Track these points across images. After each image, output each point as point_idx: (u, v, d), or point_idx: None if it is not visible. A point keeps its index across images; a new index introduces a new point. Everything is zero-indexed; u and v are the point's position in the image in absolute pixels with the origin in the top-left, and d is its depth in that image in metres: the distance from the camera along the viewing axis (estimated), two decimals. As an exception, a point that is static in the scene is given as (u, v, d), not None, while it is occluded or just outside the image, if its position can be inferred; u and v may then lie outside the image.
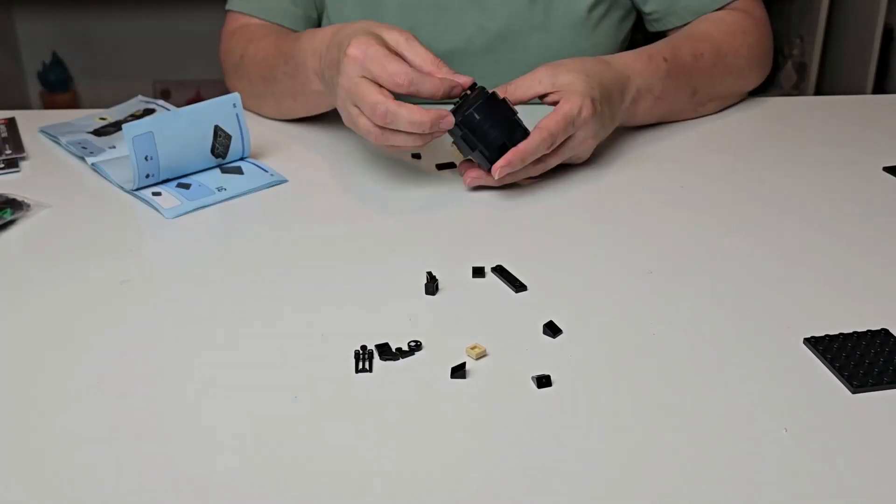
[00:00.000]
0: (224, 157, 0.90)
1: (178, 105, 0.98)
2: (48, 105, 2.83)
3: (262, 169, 0.91)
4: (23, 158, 0.98)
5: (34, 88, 2.89)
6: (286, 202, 0.88)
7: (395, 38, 0.84)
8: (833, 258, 0.77)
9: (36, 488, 0.54)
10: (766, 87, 1.13)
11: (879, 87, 2.56)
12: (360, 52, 0.81)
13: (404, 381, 0.63)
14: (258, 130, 0.97)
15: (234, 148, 0.90)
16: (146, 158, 0.85)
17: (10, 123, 1.04)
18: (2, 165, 0.96)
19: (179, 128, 0.86)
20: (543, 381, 0.62)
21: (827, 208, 0.86)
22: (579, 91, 0.87)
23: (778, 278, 0.74)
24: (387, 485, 0.54)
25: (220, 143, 0.89)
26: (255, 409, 0.60)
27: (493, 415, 0.60)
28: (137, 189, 0.87)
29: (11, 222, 0.84)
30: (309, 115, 1.01)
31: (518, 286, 0.72)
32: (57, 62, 2.82)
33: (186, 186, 0.87)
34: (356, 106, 0.82)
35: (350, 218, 0.84)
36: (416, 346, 0.65)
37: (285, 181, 0.90)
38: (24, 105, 2.76)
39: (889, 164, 0.94)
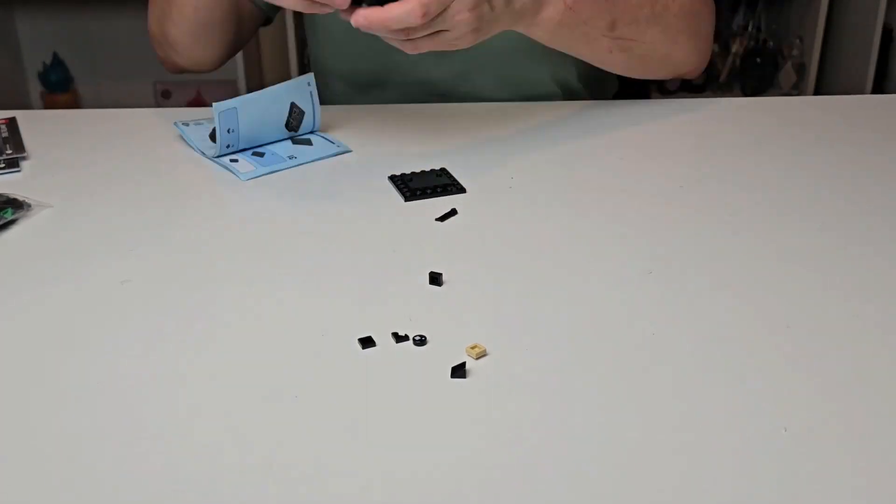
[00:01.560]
0: (297, 131, 0.99)
1: (179, 104, 0.99)
2: (49, 105, 2.83)
3: (329, 140, 1.00)
4: (23, 158, 0.98)
5: (35, 89, 2.89)
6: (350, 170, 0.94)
7: None
8: (833, 258, 0.77)
9: (36, 488, 0.54)
10: (766, 88, 1.12)
11: (879, 88, 2.57)
12: None
13: (403, 381, 0.63)
14: (328, 109, 1.03)
15: (306, 122, 1.00)
16: (228, 131, 0.94)
17: (11, 123, 1.04)
18: (2, 165, 0.96)
19: (261, 105, 0.96)
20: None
21: (826, 208, 0.86)
22: None
23: (778, 278, 0.74)
24: (388, 485, 0.54)
25: (294, 118, 0.98)
26: (255, 408, 0.60)
27: (493, 414, 0.60)
28: (218, 156, 0.95)
29: (12, 222, 0.84)
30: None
31: None
32: (58, 62, 2.82)
33: (261, 154, 0.96)
34: None
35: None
36: (420, 340, 0.65)
37: (350, 151, 0.97)
38: (25, 105, 2.76)
39: (890, 163, 0.94)
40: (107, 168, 0.96)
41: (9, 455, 0.57)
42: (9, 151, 0.98)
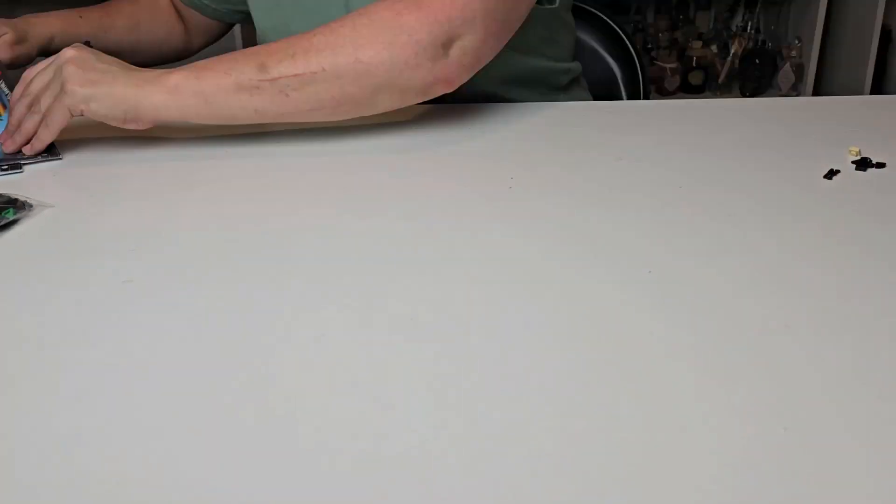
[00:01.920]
0: None
1: None
2: (47, 106, 2.83)
3: None
4: (25, 159, 0.98)
5: (33, 89, 2.89)
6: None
7: None
8: (833, 257, 0.78)
9: (35, 488, 0.54)
10: (765, 89, 1.12)
11: (877, 88, 2.57)
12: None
13: (402, 381, 0.63)
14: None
15: None
16: None
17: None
18: (4, 167, 0.97)
19: None
20: None
21: (826, 208, 0.86)
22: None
23: (777, 278, 0.75)
24: (388, 485, 0.54)
25: None
26: (254, 408, 0.61)
27: (491, 414, 0.60)
28: None
29: (14, 222, 0.84)
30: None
31: None
32: (56, 63, 2.82)
33: None
34: None
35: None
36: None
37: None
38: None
39: (890, 163, 0.94)
40: (107, 168, 0.96)
41: (7, 454, 0.57)
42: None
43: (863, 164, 0.94)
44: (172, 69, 0.97)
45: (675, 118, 1.07)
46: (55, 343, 0.68)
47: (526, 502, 0.53)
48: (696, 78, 2.91)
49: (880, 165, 0.94)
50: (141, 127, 0.96)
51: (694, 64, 2.92)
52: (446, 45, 0.96)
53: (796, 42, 2.74)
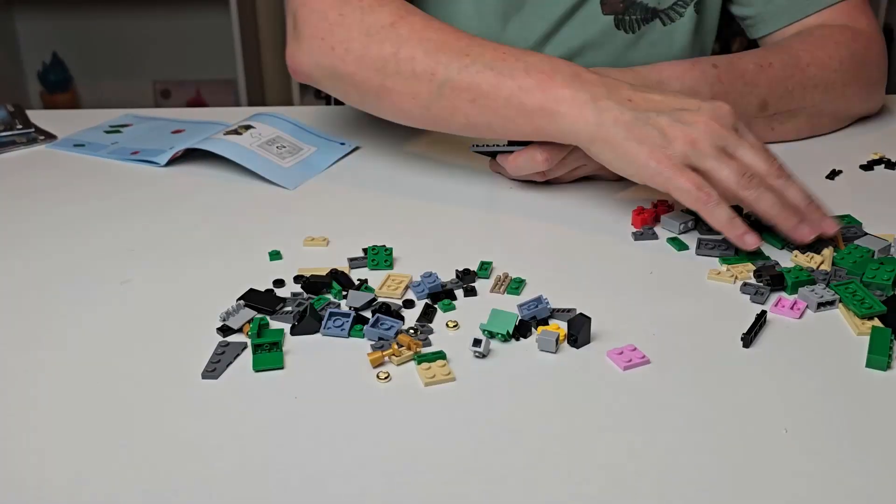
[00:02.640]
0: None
1: (179, 104, 1.01)
2: (48, 105, 2.84)
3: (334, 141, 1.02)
4: (38, 132, 1.03)
5: (34, 88, 2.89)
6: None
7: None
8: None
9: (33, 487, 0.54)
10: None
11: (879, 88, 2.57)
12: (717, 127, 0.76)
13: (400, 381, 0.63)
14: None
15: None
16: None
17: (17, 108, 1.08)
18: (24, 140, 1.03)
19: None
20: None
21: (826, 208, 0.85)
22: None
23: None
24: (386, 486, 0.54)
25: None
26: (255, 408, 0.60)
27: (487, 416, 0.60)
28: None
29: (13, 142, 0.90)
30: (452, 131, 0.88)
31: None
32: (57, 62, 2.83)
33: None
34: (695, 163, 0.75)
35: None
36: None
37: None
38: (24, 105, 2.76)
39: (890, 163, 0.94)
40: (106, 167, 0.97)
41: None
42: (20, 127, 1.03)
43: (876, 164, 0.94)
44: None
45: (676, 117, 1.07)
46: (54, 342, 0.68)
47: (519, 499, 0.53)
48: (697, 77, 2.91)
49: (890, 165, 0.94)
50: None
51: (695, 63, 2.92)
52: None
53: (798, 41, 2.74)
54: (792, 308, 0.69)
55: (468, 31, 0.87)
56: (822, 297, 0.70)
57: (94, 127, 1.08)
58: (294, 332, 0.67)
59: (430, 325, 0.68)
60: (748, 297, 0.72)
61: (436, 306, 0.70)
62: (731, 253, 0.77)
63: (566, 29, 1.04)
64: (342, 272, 0.74)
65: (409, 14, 0.87)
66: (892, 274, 0.71)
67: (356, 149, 1.00)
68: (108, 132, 1.07)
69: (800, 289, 0.71)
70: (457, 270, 0.75)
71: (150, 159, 0.97)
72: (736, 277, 0.74)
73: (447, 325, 0.68)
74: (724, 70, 0.91)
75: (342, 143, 1.01)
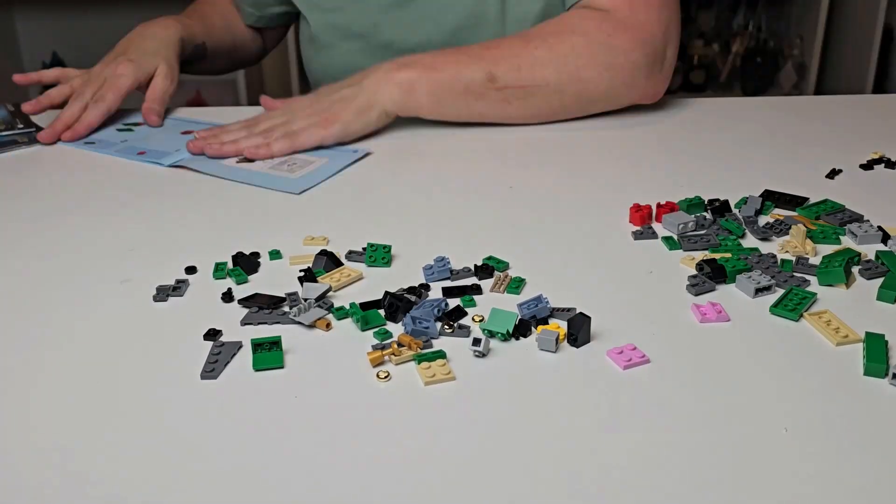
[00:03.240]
0: None
1: (178, 104, 1.02)
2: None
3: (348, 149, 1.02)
4: (38, 130, 1.03)
5: (34, 88, 2.89)
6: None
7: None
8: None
9: (33, 486, 0.54)
10: (767, 87, 1.12)
11: (879, 87, 2.57)
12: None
13: (400, 380, 0.63)
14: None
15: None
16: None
17: (17, 107, 1.08)
18: (25, 139, 1.03)
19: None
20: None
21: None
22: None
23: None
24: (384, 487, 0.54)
25: None
26: (255, 408, 0.60)
27: (487, 415, 0.60)
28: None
29: (14, 142, 0.91)
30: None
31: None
32: (57, 62, 2.82)
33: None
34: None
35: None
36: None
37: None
38: (25, 105, 2.76)
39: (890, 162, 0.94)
40: (107, 167, 0.97)
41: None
42: (20, 126, 1.03)
43: (876, 164, 0.94)
44: (394, 67, 1.01)
45: (677, 117, 1.07)
46: (54, 341, 0.68)
47: (518, 499, 0.53)
48: (697, 77, 2.91)
49: (890, 165, 0.94)
50: (389, 121, 1.03)
51: (695, 63, 2.91)
52: (657, 62, 1.04)
53: (798, 41, 2.74)
54: (718, 313, 0.69)
55: None
56: (758, 283, 0.71)
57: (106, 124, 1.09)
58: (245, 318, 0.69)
59: (465, 324, 0.68)
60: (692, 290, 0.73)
61: (460, 303, 0.71)
62: (716, 245, 0.79)
63: None
64: (331, 253, 0.76)
65: None
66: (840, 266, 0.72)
67: (367, 155, 1.00)
68: (120, 130, 1.07)
69: (737, 276, 0.73)
70: (475, 265, 0.75)
71: (155, 161, 0.97)
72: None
73: (473, 319, 0.69)
74: (451, 51, 1.02)
75: (354, 151, 1.00)
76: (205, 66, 1.30)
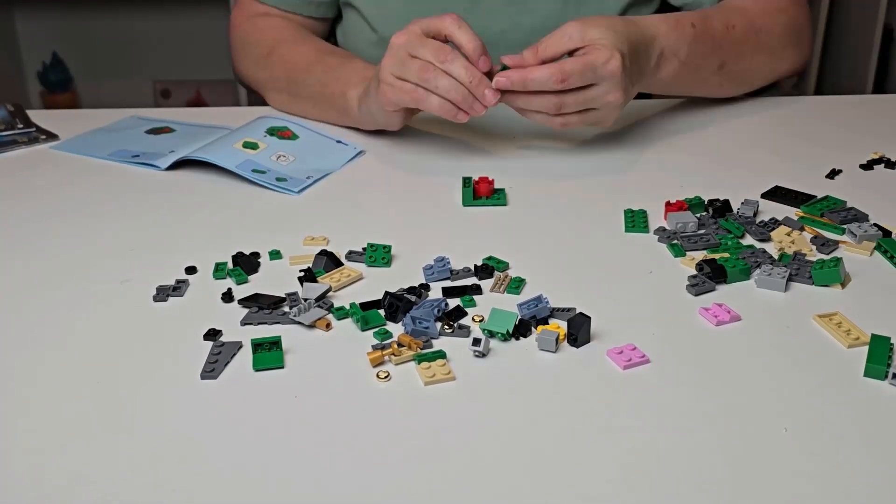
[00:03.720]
0: None
1: (179, 104, 1.00)
2: (48, 105, 2.83)
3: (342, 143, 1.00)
4: (39, 131, 1.03)
5: (34, 88, 2.89)
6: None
7: (442, 23, 0.87)
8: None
9: (33, 486, 0.54)
10: (766, 87, 1.12)
11: (879, 87, 2.56)
12: (403, 37, 0.87)
13: (400, 380, 0.63)
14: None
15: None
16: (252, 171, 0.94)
17: (17, 107, 1.08)
18: (25, 139, 1.03)
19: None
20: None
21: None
22: (608, 45, 0.87)
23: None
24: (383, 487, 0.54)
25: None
26: (255, 408, 0.60)
27: (487, 415, 0.60)
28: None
29: (14, 142, 0.91)
30: (320, 119, 1.05)
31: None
32: (57, 62, 2.82)
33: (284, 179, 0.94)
34: (398, 77, 0.87)
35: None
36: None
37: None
38: (25, 105, 2.75)
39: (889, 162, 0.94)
40: (107, 168, 0.96)
41: None
42: (20, 126, 1.03)
43: (876, 164, 0.94)
44: (663, 54, 0.95)
45: (677, 117, 1.07)
46: (53, 341, 0.68)
47: (517, 499, 0.53)
48: (697, 77, 2.91)
49: (890, 165, 0.94)
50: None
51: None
52: (810, 25, 1.10)
53: (798, 41, 2.74)
54: (729, 313, 0.69)
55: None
56: (782, 274, 0.72)
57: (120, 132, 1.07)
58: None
59: (465, 325, 0.68)
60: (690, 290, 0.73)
61: (460, 303, 0.71)
62: (716, 245, 0.79)
63: None
64: (331, 253, 0.76)
65: None
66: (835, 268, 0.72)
67: (361, 153, 1.00)
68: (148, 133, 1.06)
69: (752, 274, 0.74)
70: (475, 265, 0.75)
71: (149, 163, 0.97)
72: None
73: (473, 319, 0.69)
74: (700, 31, 0.98)
75: (346, 145, 1.00)
76: None
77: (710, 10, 1.02)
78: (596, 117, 0.90)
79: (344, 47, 1.18)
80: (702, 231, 0.81)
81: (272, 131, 1.01)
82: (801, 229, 0.81)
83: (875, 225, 0.80)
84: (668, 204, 0.84)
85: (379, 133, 1.02)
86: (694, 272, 0.74)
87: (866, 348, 0.65)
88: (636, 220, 0.83)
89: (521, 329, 0.67)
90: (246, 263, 0.75)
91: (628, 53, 0.88)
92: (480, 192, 0.87)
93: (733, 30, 1.01)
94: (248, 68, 1.13)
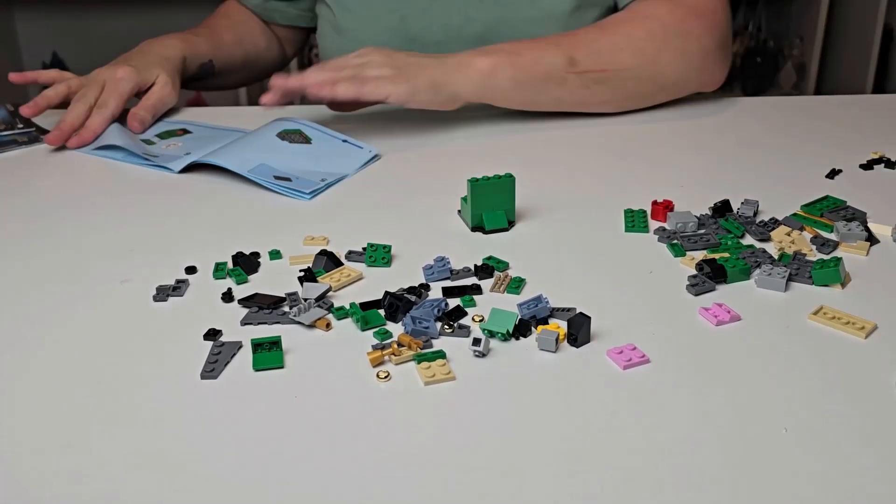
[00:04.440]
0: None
1: (179, 104, 1.02)
2: (48, 105, 2.83)
3: (356, 145, 1.00)
4: (39, 131, 1.02)
5: (34, 88, 2.89)
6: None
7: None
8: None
9: (35, 484, 0.54)
10: (767, 87, 1.12)
11: (879, 87, 2.57)
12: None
13: (400, 380, 0.63)
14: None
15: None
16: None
17: (17, 107, 1.09)
18: (25, 139, 1.03)
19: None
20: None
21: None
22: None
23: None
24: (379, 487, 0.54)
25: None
26: (255, 408, 0.60)
27: (487, 415, 0.60)
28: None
29: (14, 142, 0.92)
30: None
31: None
32: (57, 62, 2.82)
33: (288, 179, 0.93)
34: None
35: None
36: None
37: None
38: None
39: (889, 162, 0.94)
40: (107, 168, 0.96)
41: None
42: (20, 126, 1.03)
43: (876, 164, 0.94)
44: (475, 53, 1.00)
45: (677, 117, 1.07)
46: (53, 342, 0.68)
47: (517, 500, 0.53)
48: (697, 77, 2.91)
49: (890, 165, 0.94)
50: (454, 107, 1.01)
51: (696, 63, 2.91)
52: (725, 47, 1.06)
53: (798, 41, 2.74)
54: (729, 313, 0.69)
55: None
56: (781, 274, 0.72)
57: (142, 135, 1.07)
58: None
59: (465, 325, 0.68)
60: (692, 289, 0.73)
61: (460, 303, 0.71)
62: (716, 245, 0.79)
63: None
64: (331, 253, 0.76)
65: None
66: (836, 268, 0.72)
67: (376, 157, 0.99)
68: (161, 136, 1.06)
69: (752, 274, 0.74)
70: (475, 265, 0.75)
71: (163, 165, 0.96)
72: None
73: (473, 319, 0.69)
74: (525, 39, 1.02)
75: (360, 147, 0.99)
76: (216, 83, 1.28)
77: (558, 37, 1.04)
78: (367, 77, 0.96)
79: (320, 48, 1.26)
80: (702, 231, 0.81)
81: (284, 134, 1.00)
82: (801, 229, 0.81)
83: (862, 225, 0.79)
84: (654, 203, 0.84)
85: (382, 133, 1.02)
86: (694, 272, 0.74)
87: (870, 347, 0.65)
88: (636, 220, 0.83)
89: (521, 329, 0.67)
90: (246, 263, 0.75)
91: (395, 51, 0.99)
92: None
93: (574, 35, 1.02)
94: None
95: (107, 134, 1.02)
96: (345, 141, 1.00)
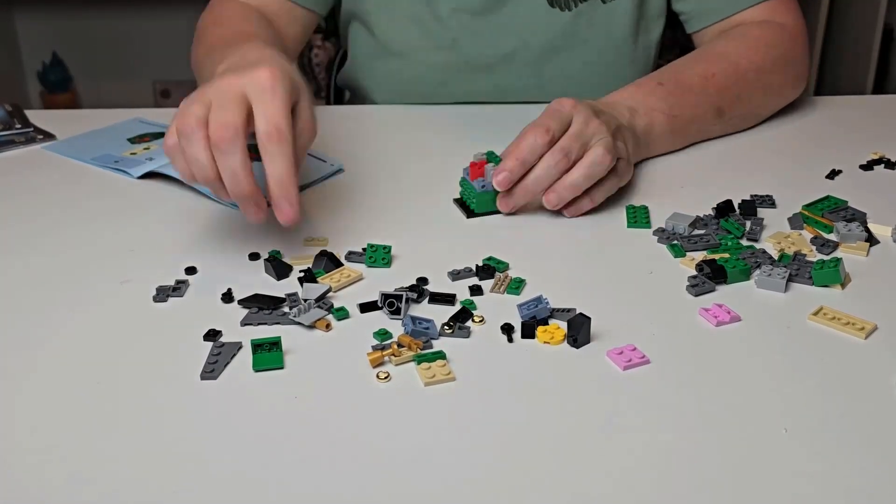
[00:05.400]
0: None
1: (178, 104, 0.99)
2: (48, 105, 2.83)
3: (318, 158, 0.96)
4: (37, 131, 1.03)
5: (34, 88, 2.89)
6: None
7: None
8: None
9: (36, 484, 0.54)
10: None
11: (879, 87, 2.56)
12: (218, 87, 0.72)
13: (400, 381, 0.63)
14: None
15: None
16: None
17: (15, 107, 1.08)
18: (22, 139, 1.02)
19: None
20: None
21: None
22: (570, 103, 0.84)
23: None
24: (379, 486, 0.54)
25: None
26: (255, 409, 0.60)
27: (487, 415, 0.60)
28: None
29: (12, 142, 0.92)
30: None
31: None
32: (57, 62, 2.82)
33: None
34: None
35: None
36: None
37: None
38: (25, 105, 2.75)
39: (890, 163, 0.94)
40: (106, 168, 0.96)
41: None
42: (18, 126, 1.03)
43: (876, 164, 0.94)
44: (641, 118, 0.92)
45: (676, 117, 1.07)
46: (53, 341, 0.68)
47: (517, 499, 0.53)
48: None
49: (890, 165, 0.94)
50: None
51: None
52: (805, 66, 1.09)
53: (798, 41, 2.74)
54: (729, 314, 0.69)
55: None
56: (781, 274, 0.72)
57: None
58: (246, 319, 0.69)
59: (466, 325, 0.68)
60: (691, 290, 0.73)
61: (462, 303, 0.71)
62: (716, 245, 0.79)
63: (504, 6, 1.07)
64: (331, 253, 0.76)
65: None
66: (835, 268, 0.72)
67: (339, 171, 0.95)
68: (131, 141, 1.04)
69: (753, 275, 0.74)
70: (476, 265, 0.75)
71: (124, 170, 0.94)
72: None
73: (473, 320, 0.69)
74: (671, 86, 0.97)
75: (324, 161, 0.95)
76: None
77: (680, 65, 1.01)
78: (590, 166, 0.82)
79: (351, 58, 1.17)
80: (702, 231, 0.81)
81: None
82: (801, 229, 0.81)
83: (862, 225, 0.79)
84: (472, 164, 0.84)
85: (383, 133, 1.02)
86: (694, 272, 0.74)
87: (870, 347, 0.65)
88: (638, 216, 0.83)
89: (526, 331, 0.67)
90: (279, 268, 0.75)
91: (597, 110, 0.85)
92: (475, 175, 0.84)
93: (714, 78, 0.99)
94: (191, 54, 1.08)
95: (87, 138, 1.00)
96: (315, 157, 0.96)
